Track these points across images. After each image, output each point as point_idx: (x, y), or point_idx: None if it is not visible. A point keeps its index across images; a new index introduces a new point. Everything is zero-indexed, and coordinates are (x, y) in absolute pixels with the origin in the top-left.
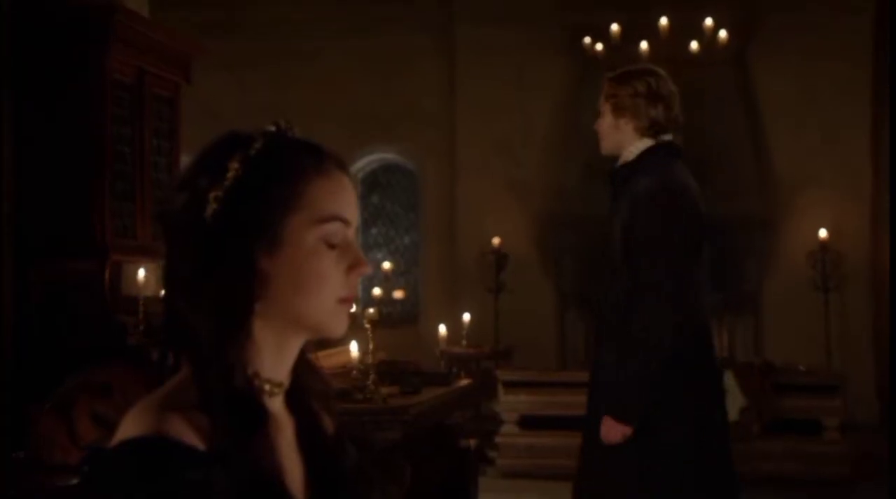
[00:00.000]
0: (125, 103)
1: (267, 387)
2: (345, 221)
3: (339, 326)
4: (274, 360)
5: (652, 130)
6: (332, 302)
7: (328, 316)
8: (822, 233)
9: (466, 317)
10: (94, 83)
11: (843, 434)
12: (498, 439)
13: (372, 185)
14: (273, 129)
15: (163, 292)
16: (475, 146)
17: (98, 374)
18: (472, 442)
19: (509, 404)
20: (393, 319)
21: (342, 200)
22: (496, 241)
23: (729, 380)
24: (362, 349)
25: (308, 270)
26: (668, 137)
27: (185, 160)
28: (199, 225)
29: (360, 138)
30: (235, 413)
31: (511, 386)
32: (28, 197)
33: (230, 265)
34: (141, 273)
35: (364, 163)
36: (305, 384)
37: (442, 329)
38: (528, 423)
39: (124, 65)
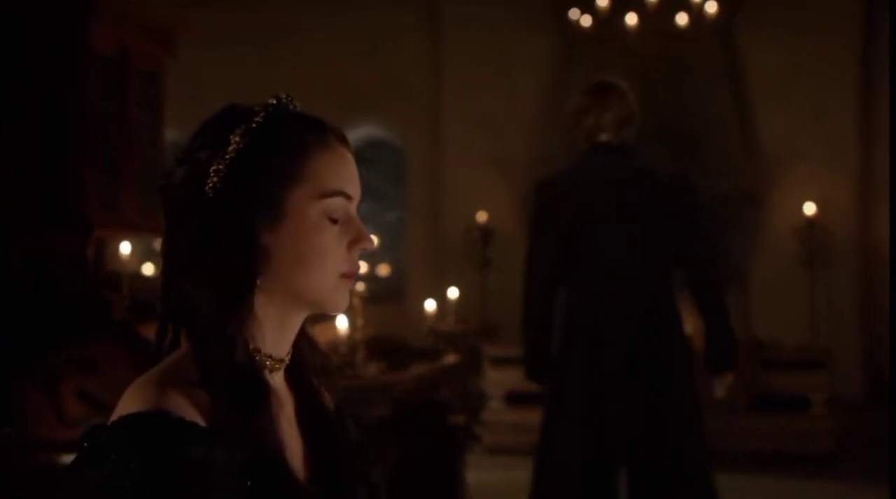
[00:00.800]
0: (108, 78)
1: (268, 363)
2: (347, 196)
3: (340, 302)
4: (275, 335)
5: (587, 138)
6: (333, 277)
7: (330, 291)
8: (810, 209)
9: (453, 293)
10: (75, 57)
11: (829, 410)
12: (485, 416)
13: (358, 160)
14: (274, 102)
15: (150, 267)
16: (461, 122)
17: (84, 350)
18: (461, 419)
19: (496, 381)
20: (378, 296)
21: (345, 174)
22: (482, 217)
23: None
24: (350, 325)
25: (310, 245)
26: (603, 138)
27: (170, 135)
28: (200, 199)
29: (346, 114)
30: (236, 389)
31: (498, 363)
32: (9, 173)
33: (231, 240)
34: (125, 248)
35: (350, 138)
36: (306, 360)
37: (430, 305)
38: (516, 399)
39: (106, 39)
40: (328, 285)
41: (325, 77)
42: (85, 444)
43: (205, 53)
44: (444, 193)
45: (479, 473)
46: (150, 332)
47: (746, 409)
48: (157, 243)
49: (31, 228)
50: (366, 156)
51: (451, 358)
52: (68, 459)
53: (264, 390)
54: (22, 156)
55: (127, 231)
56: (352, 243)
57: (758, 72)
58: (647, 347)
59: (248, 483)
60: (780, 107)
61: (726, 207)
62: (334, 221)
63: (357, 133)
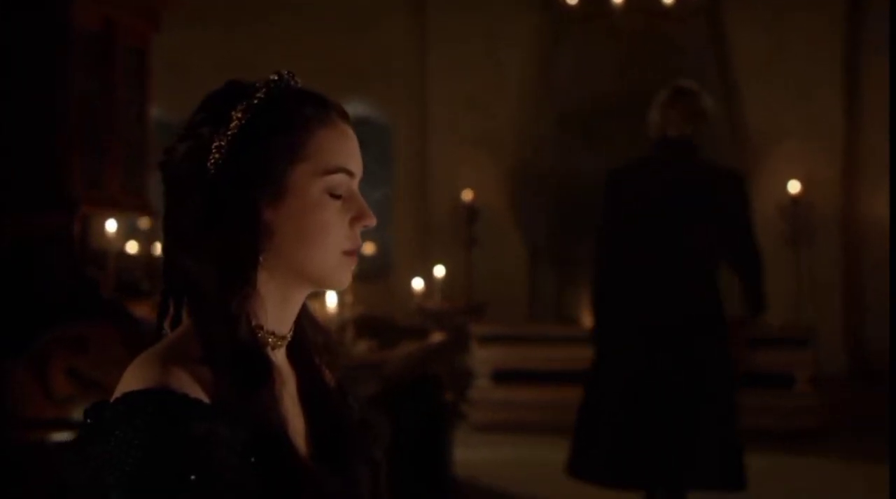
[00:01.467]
0: (92, 54)
1: (270, 340)
2: (349, 173)
3: (342, 279)
4: (278, 312)
5: (655, 132)
6: (336, 254)
7: (332, 269)
8: (794, 187)
9: (440, 271)
10: (59, 33)
11: (813, 387)
12: (471, 394)
13: None
14: (275, 78)
15: (134, 245)
16: (447, 100)
17: (74, 329)
18: (448, 396)
19: (483, 359)
20: (364, 274)
21: (347, 150)
22: (468, 195)
23: None
24: (339, 303)
25: (312, 222)
26: (669, 133)
27: (156, 113)
28: (202, 175)
29: (332, 92)
30: (240, 366)
31: (485, 340)
32: None
33: (233, 217)
34: (111, 226)
35: None
36: (307, 337)
37: (417, 283)
38: (502, 377)
39: (91, 14)
40: (331, 262)
41: (311, 55)
42: (88, 421)
43: (192, 31)
44: (431, 172)
45: (465, 450)
46: (138, 310)
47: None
48: (142, 221)
49: (17, 207)
50: (356, 134)
51: (438, 336)
52: (57, 437)
53: (268, 367)
54: (6, 133)
55: (112, 209)
56: (354, 220)
57: (743, 49)
58: (687, 327)
59: (252, 460)
60: (765, 84)
61: None
62: (336, 198)
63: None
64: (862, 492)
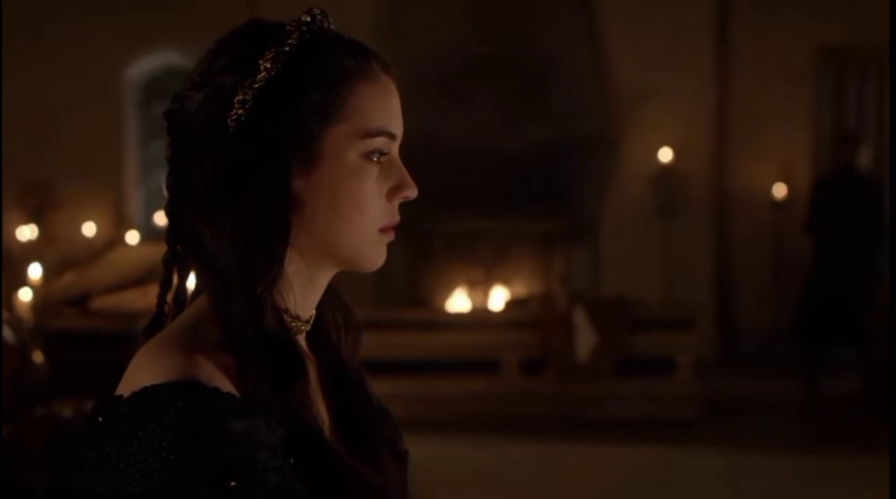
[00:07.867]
0: None
1: (295, 325)
2: (391, 136)
3: (377, 259)
4: (303, 294)
5: (835, 161)
6: (372, 232)
7: (367, 247)
8: (665, 155)
9: None
10: None
11: (695, 373)
12: None
13: (154, 93)
14: (308, 19)
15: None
16: None
17: None
18: None
19: None
20: None
21: (389, 109)
22: None
23: (579, 316)
24: None
25: (348, 193)
26: (840, 161)
27: None
28: (221, 132)
29: (142, 39)
30: (271, 359)
31: None
32: None
33: (259, 185)
34: None
35: (144, 68)
36: (327, 317)
37: None
38: (367, 367)
39: None
40: (366, 241)
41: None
42: (100, 419)
43: None
44: None
45: None
46: None
47: (611, 373)
48: None
49: None
50: (166, 87)
51: None
52: None
53: (301, 359)
54: None
55: None
56: (393, 191)
57: (612, 8)
58: (857, 261)
59: (291, 461)
60: (635, 42)
61: (575, 151)
62: (375, 165)
63: (155, 61)
64: (752, 483)
